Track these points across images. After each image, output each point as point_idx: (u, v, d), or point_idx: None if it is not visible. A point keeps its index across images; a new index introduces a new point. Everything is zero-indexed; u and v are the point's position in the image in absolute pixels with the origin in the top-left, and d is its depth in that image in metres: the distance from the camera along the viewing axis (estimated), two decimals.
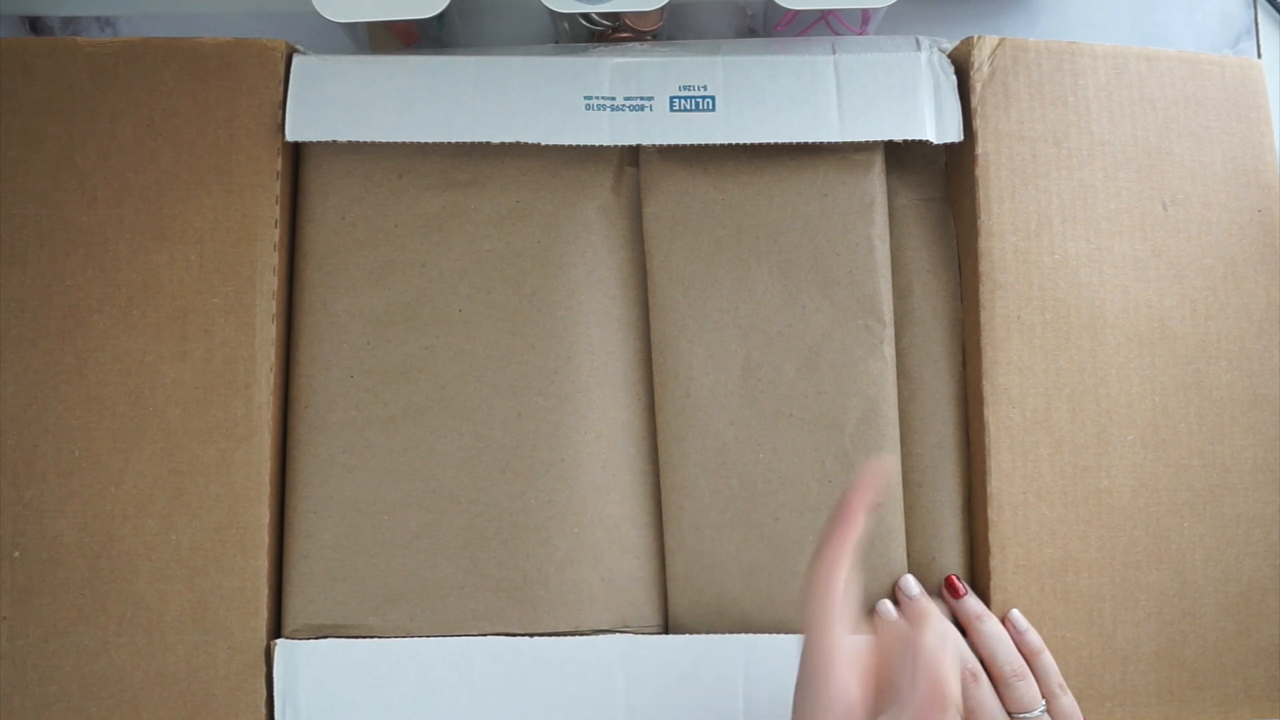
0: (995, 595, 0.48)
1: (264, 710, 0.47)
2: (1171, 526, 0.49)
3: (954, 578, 0.49)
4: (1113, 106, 0.51)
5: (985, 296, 0.49)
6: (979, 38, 0.51)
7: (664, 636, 0.48)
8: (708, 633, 0.48)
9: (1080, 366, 0.49)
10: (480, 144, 0.50)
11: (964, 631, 0.48)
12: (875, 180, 0.51)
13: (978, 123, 0.50)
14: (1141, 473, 0.49)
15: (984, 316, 0.49)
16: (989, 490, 0.48)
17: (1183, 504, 0.49)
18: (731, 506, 0.49)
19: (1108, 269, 0.50)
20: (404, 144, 0.51)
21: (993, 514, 0.48)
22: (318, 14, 0.49)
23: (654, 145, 0.51)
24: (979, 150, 0.50)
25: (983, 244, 0.50)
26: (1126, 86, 0.51)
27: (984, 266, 0.49)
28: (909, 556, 0.50)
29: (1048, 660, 0.46)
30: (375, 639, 0.47)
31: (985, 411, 0.49)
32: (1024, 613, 0.48)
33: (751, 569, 0.49)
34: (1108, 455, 0.49)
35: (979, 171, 0.50)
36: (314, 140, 0.50)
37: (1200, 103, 0.52)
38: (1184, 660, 0.48)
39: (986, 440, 0.49)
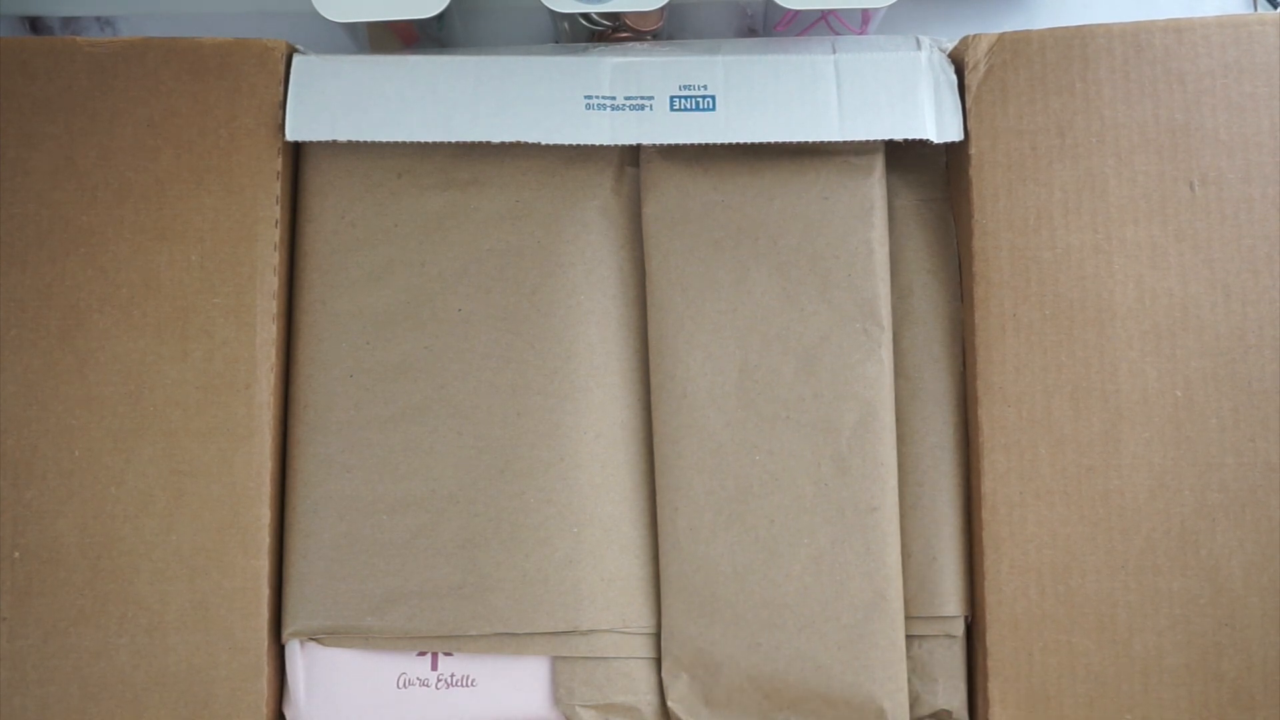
0: (990, 597, 0.48)
1: (265, 711, 0.47)
2: (1199, 530, 0.47)
3: None
4: (1129, 87, 0.49)
5: (979, 296, 0.49)
6: (974, 36, 0.50)
7: None
8: (700, 634, 0.48)
9: (1084, 362, 0.48)
10: (480, 144, 0.50)
11: None
12: (875, 184, 0.51)
13: (971, 123, 0.50)
14: (1161, 472, 0.47)
15: (978, 316, 0.49)
16: (983, 490, 0.48)
17: (1214, 506, 0.47)
18: (726, 509, 0.49)
19: (1118, 259, 0.48)
20: (404, 144, 0.51)
21: (986, 514, 0.48)
22: (318, 14, 0.49)
23: (654, 145, 0.51)
24: (972, 150, 0.49)
25: (976, 243, 0.49)
26: (1148, 63, 0.49)
27: (978, 266, 0.49)
28: (910, 557, 0.50)
29: None
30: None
31: (979, 411, 0.48)
32: (1023, 615, 0.47)
33: (745, 571, 0.49)
34: (1118, 454, 0.47)
35: (972, 171, 0.49)
36: (314, 140, 0.50)
37: (1244, 68, 0.48)
38: (1222, 674, 0.46)
39: (980, 440, 0.48)
